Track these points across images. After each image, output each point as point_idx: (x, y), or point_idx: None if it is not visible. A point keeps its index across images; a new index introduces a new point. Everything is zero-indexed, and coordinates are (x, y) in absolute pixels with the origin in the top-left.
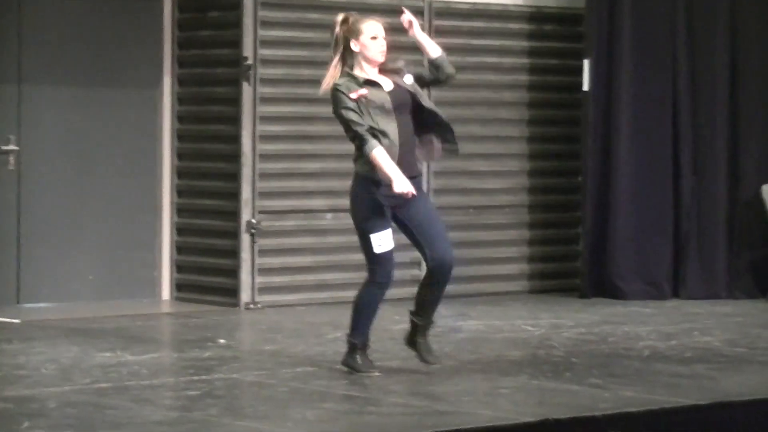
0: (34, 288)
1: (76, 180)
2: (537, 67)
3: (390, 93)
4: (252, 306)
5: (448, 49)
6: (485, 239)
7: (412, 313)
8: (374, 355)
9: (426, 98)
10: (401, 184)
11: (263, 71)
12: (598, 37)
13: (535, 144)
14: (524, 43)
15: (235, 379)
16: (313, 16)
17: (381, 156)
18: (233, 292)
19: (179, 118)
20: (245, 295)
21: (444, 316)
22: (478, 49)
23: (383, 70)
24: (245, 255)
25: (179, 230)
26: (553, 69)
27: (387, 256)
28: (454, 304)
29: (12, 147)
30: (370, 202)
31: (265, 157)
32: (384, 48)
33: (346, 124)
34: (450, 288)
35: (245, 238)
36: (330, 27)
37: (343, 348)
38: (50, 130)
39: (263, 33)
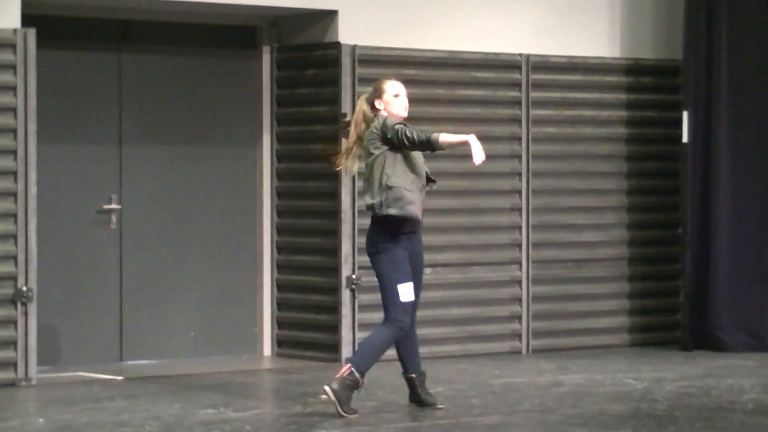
0: (137, 345)
1: (176, 237)
2: (635, 119)
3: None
4: None
5: (545, 102)
6: (585, 292)
7: (406, 371)
8: (476, 410)
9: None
10: (477, 147)
11: None
12: (695, 88)
13: (633, 197)
14: (622, 96)
15: None
16: (410, 72)
17: (446, 136)
18: (334, 348)
19: (278, 175)
20: (346, 351)
21: (545, 370)
22: (575, 102)
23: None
24: (346, 311)
25: (279, 286)
26: (651, 121)
27: (410, 305)
28: (554, 357)
29: (114, 206)
30: (395, 252)
31: (364, 213)
32: (407, 104)
33: (405, 133)
34: (550, 341)
35: (346, 294)
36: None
37: (444, 403)
38: (151, 189)
39: (361, 90)
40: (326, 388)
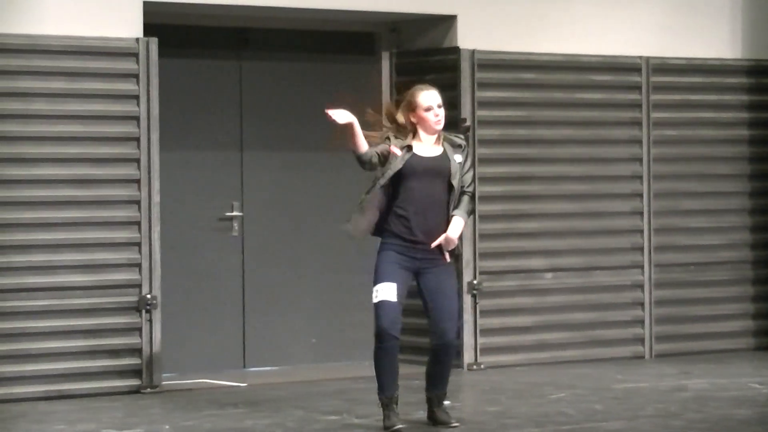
0: (259, 352)
1: (297, 244)
2: (756, 121)
3: (428, 159)
4: (475, 367)
5: (665, 105)
6: (707, 296)
7: (426, 389)
8: (598, 415)
9: (460, 180)
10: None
11: (481, 132)
12: None
13: (756, 199)
14: (743, 97)
15: None
16: (529, 76)
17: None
18: (456, 353)
19: None
20: (468, 356)
21: (668, 374)
22: (695, 105)
23: (444, 138)
24: (467, 316)
25: None
26: None
27: (384, 307)
28: (677, 362)
29: (236, 213)
30: (384, 255)
31: (485, 217)
32: (439, 118)
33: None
34: (673, 346)
35: (467, 299)
36: None
37: (566, 408)
38: (272, 196)
39: (480, 94)
40: None
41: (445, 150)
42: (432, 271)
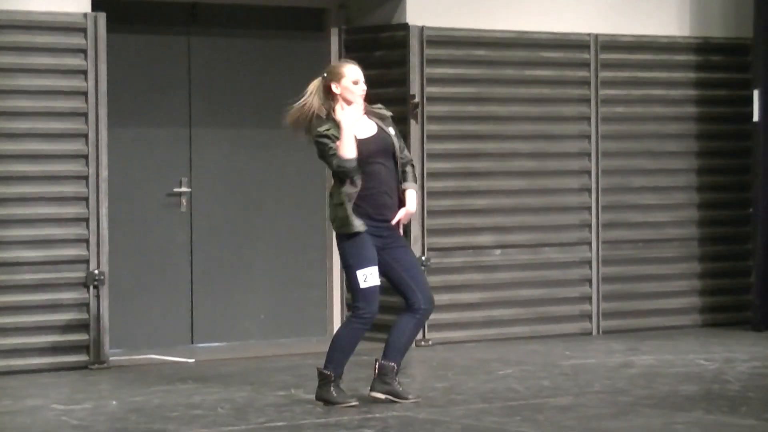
0: (207, 328)
1: (246, 220)
2: (705, 98)
3: (372, 138)
4: (422, 343)
5: (614, 82)
6: (655, 273)
7: (390, 360)
8: (546, 391)
9: (402, 150)
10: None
11: (430, 109)
12: (766, 66)
13: (704, 176)
14: (691, 75)
15: (409, 416)
16: (479, 52)
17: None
18: None
19: None
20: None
21: (615, 351)
22: (644, 82)
23: (369, 112)
24: None
25: None
26: (721, 100)
27: (375, 292)
28: (625, 338)
29: (184, 189)
30: (359, 238)
31: (434, 194)
32: (363, 92)
33: (327, 159)
34: (620, 322)
35: None
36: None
37: (514, 384)
38: (220, 172)
39: (429, 71)
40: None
41: (378, 125)
42: (399, 246)
